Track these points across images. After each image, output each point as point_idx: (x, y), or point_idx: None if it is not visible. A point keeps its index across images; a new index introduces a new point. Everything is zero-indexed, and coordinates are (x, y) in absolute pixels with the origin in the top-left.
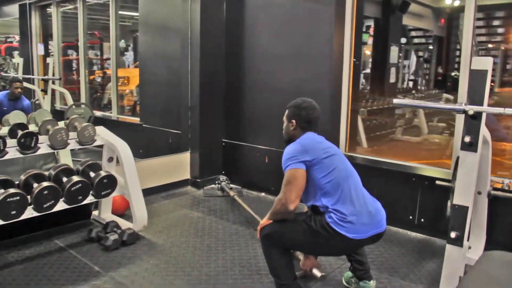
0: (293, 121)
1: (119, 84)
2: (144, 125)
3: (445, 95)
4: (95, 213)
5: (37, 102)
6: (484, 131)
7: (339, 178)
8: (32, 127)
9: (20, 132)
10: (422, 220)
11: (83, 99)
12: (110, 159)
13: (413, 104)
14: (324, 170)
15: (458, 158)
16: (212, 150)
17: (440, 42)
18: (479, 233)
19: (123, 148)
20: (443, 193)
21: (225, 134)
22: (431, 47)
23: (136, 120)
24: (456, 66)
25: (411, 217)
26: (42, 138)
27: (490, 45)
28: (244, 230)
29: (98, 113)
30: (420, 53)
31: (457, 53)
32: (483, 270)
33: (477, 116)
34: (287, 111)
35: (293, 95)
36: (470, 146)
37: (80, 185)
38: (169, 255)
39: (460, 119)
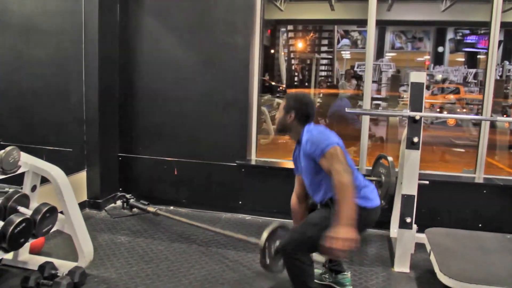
0: (292, 113)
1: None
2: (2, 143)
3: (276, 100)
4: (7, 257)
5: None
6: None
7: None
8: None
9: None
10: None
11: None
12: (34, 188)
13: (364, 112)
14: None
15: (378, 156)
16: (111, 166)
17: (266, 51)
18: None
19: (57, 173)
20: None
21: (122, 148)
22: None
23: None
24: (280, 73)
25: None
26: None
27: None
28: (189, 247)
29: None
30: None
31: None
32: (441, 245)
33: (418, 120)
34: (284, 102)
35: (203, 104)
36: (414, 145)
37: (24, 225)
38: None
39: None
